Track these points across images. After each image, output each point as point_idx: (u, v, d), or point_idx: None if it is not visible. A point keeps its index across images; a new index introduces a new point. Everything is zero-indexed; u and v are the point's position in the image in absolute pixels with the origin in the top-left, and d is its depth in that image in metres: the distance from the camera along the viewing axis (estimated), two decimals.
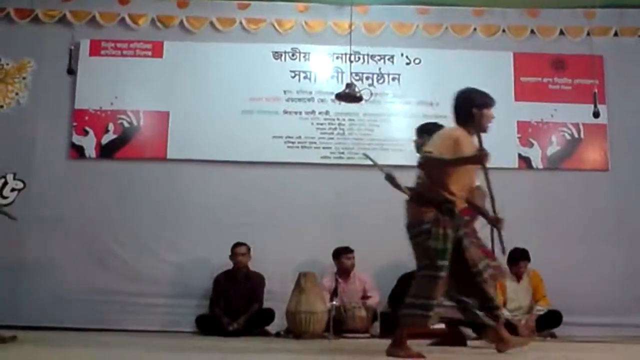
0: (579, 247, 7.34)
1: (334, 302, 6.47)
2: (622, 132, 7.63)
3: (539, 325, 6.73)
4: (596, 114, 6.83)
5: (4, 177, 7.28)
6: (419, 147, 5.01)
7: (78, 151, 7.48)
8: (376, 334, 6.69)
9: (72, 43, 7.32)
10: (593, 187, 7.59)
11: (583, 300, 7.02)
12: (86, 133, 7.49)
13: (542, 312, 6.78)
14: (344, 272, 6.99)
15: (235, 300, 6.75)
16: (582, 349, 5.43)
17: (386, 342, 5.86)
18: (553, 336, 6.67)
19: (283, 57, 7.83)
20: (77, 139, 7.50)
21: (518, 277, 6.97)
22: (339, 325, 6.37)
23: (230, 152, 7.53)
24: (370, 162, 5.73)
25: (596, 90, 7.01)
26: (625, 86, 7.76)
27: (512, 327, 6.58)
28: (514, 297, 6.91)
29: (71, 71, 7.12)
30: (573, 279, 7.16)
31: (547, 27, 7.93)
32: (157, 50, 7.74)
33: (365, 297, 6.89)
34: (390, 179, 5.44)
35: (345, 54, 7.65)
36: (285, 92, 7.71)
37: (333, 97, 7.15)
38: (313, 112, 7.68)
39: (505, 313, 6.70)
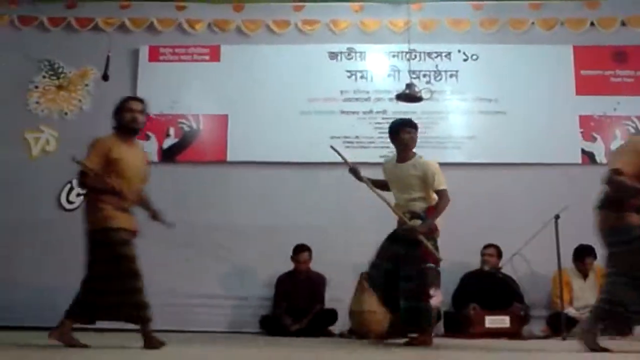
0: None
1: None
2: None
3: None
4: None
5: (70, 182, 7.43)
6: None
7: None
8: (440, 333, 6.64)
9: (110, 50, 7.46)
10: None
11: None
12: (148, 138, 7.61)
13: None
14: None
15: (297, 301, 6.78)
16: None
17: (449, 342, 5.89)
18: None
19: (339, 57, 7.84)
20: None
21: (584, 274, 6.86)
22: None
23: (289, 153, 7.57)
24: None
25: None
26: None
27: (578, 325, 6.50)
28: (580, 295, 6.79)
29: (106, 77, 7.23)
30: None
31: (608, 18, 7.78)
32: (214, 54, 7.83)
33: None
34: (354, 171, 5.64)
35: (402, 52, 7.66)
36: (342, 92, 7.73)
37: (391, 96, 7.19)
38: (370, 111, 7.68)
39: (572, 311, 6.62)
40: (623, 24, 7.75)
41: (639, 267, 4.38)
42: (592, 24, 7.77)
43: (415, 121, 7.49)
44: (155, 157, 7.59)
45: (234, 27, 7.91)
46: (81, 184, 4.87)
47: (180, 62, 7.87)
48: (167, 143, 7.65)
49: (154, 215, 4.99)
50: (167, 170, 7.57)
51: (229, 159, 7.58)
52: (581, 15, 7.79)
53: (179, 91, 7.79)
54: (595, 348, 4.42)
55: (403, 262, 5.24)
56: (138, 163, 4.86)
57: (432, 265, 5.27)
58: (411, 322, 5.20)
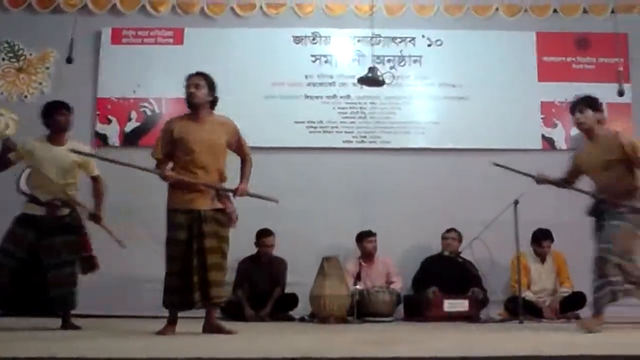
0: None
1: (358, 286, 6.50)
2: None
3: (563, 307, 6.71)
4: (621, 93, 6.76)
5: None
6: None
7: (102, 139, 7.55)
8: (400, 317, 6.71)
9: (73, 33, 7.28)
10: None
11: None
12: (109, 121, 7.56)
13: (566, 294, 6.76)
14: (367, 256, 7.01)
15: (258, 285, 6.79)
16: (606, 329, 5.40)
17: (409, 326, 5.95)
18: (577, 318, 6.60)
19: (304, 42, 7.83)
20: (101, 128, 7.58)
21: (542, 258, 6.96)
22: (362, 309, 6.40)
23: (253, 137, 7.33)
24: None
25: (621, 69, 6.92)
26: None
27: (536, 309, 6.61)
28: (537, 279, 6.90)
29: (70, 60, 7.13)
30: None
31: (571, 6, 7.84)
32: (178, 37, 7.78)
33: (388, 281, 6.91)
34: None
35: (366, 37, 7.64)
36: (306, 76, 7.72)
37: (355, 81, 7.18)
38: (335, 96, 7.68)
39: (530, 295, 6.71)
40: (585, 11, 7.82)
41: None
42: (555, 10, 7.82)
43: (380, 106, 7.63)
44: (116, 141, 7.54)
45: (198, 10, 7.84)
46: None
47: (144, 45, 7.79)
48: (130, 127, 7.59)
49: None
50: (129, 154, 7.43)
51: None
52: (544, 2, 7.84)
53: (142, 74, 7.72)
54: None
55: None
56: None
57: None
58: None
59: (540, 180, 5.35)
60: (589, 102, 5.13)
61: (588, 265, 6.86)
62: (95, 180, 5.42)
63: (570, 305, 6.71)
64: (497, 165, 5.39)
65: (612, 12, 7.73)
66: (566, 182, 5.33)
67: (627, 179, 4.84)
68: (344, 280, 6.38)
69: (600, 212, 5.00)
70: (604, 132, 5.07)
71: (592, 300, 4.95)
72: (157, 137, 4.93)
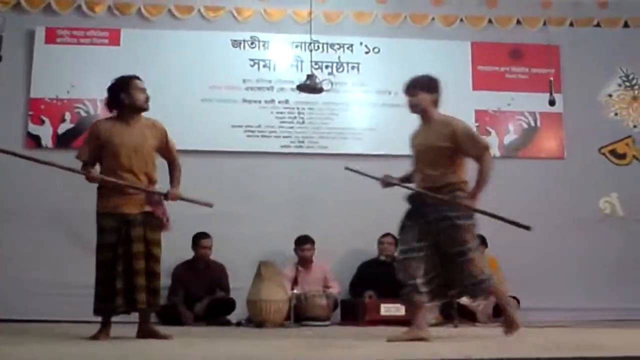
0: (535, 234, 7.38)
1: (295, 291, 6.49)
2: (577, 121, 7.76)
3: (496, 311, 6.82)
4: (552, 103, 6.94)
5: None
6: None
7: (34, 140, 7.36)
8: (337, 321, 6.73)
9: (2, 30, 7.10)
10: (549, 175, 7.70)
11: (539, 285, 7.15)
12: (42, 122, 7.37)
13: None
14: (304, 261, 7.00)
15: (195, 290, 6.72)
16: (538, 333, 5.53)
17: (346, 330, 5.97)
18: None
19: (242, 46, 7.80)
20: (33, 129, 7.38)
21: None
22: (299, 313, 6.39)
23: (189, 141, 7.35)
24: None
25: (552, 79, 7.12)
26: (581, 76, 7.88)
27: (470, 313, 6.71)
28: None
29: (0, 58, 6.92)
30: (530, 265, 7.27)
31: (505, 17, 8.03)
32: (114, 38, 7.64)
33: (326, 286, 6.92)
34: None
35: (305, 43, 7.65)
36: (244, 80, 7.68)
37: (293, 86, 7.20)
38: (273, 101, 7.67)
39: (464, 299, 6.80)
40: (519, 22, 8.02)
41: None
42: (489, 21, 8.00)
43: (318, 112, 7.66)
44: (49, 143, 7.36)
45: (135, 11, 7.71)
46: None
47: (79, 45, 7.61)
48: (63, 128, 7.41)
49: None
50: (62, 157, 7.25)
51: None
52: (480, 13, 8.01)
53: (77, 75, 7.54)
54: None
55: None
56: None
57: None
58: None
59: (386, 182, 5.06)
60: (424, 83, 4.79)
61: (522, 269, 7.12)
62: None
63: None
64: (349, 169, 5.18)
65: (545, 24, 7.96)
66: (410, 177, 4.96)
67: (451, 171, 4.53)
68: (281, 285, 6.37)
69: (419, 206, 4.60)
70: (439, 116, 4.76)
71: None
72: (84, 139, 4.85)
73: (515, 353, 3.32)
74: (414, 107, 4.77)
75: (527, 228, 4.48)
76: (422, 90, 4.73)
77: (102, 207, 4.56)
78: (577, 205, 7.59)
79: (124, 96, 4.69)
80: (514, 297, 6.79)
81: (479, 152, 4.46)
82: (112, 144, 4.56)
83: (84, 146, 4.69)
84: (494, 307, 6.82)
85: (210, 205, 4.94)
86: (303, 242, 6.97)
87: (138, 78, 4.85)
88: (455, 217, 4.41)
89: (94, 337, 4.42)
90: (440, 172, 4.51)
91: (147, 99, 4.81)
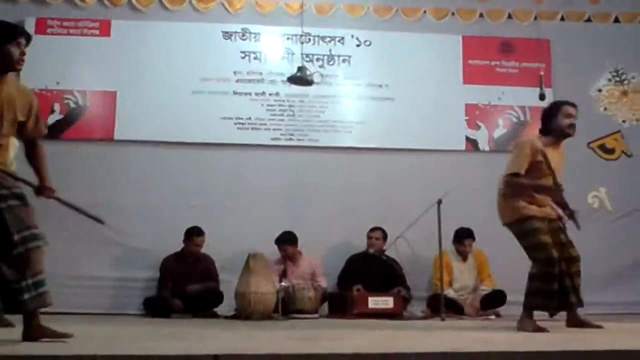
0: None
1: (283, 283, 6.51)
2: None
3: (483, 304, 6.88)
4: (542, 97, 6.94)
5: None
6: None
7: None
8: (324, 314, 6.76)
9: None
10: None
11: (525, 279, 7.14)
12: None
13: (487, 292, 6.92)
14: (288, 257, 7.00)
15: (183, 282, 6.71)
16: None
17: (334, 322, 5.99)
18: (498, 315, 6.81)
19: (233, 37, 7.78)
20: None
21: (464, 257, 7.11)
22: (287, 306, 6.41)
23: (180, 133, 7.48)
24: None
25: (542, 73, 7.13)
26: (571, 70, 7.89)
27: (457, 307, 6.75)
28: (459, 277, 7.05)
29: None
30: (518, 258, 7.25)
31: (496, 11, 8.03)
32: (104, 29, 7.60)
33: (314, 279, 6.92)
34: None
35: (296, 35, 7.65)
36: (235, 72, 7.67)
37: (284, 78, 7.22)
38: (263, 93, 7.66)
39: (451, 292, 6.86)
40: (510, 16, 8.02)
41: None
42: (481, 15, 8.00)
43: (308, 104, 7.66)
44: None
45: (126, 2, 7.68)
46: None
47: (69, 36, 7.58)
48: (52, 119, 7.38)
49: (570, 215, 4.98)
50: (52, 148, 7.20)
51: (116, 137, 7.39)
52: (471, 7, 8.00)
53: (67, 66, 7.51)
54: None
55: None
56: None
57: None
58: None
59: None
60: None
61: (509, 263, 7.12)
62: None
63: (491, 302, 6.88)
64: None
65: (536, 18, 7.97)
66: None
67: None
68: (270, 277, 6.37)
69: None
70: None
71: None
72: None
73: (503, 346, 3.35)
74: None
75: (100, 222, 4.03)
76: None
77: None
78: (565, 199, 7.58)
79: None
80: (501, 291, 6.85)
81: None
82: None
83: None
84: (481, 300, 6.88)
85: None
86: (282, 242, 6.94)
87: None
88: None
89: None
90: None
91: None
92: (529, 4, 7.99)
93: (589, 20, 8.11)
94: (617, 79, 8.02)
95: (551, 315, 4.96)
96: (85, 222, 4.64)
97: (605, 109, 7.96)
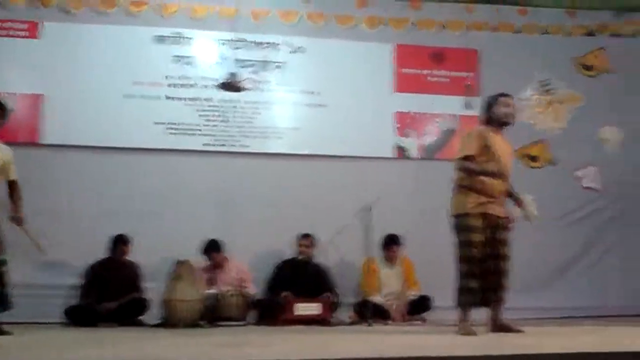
0: (450, 234, 7.58)
1: (211, 290, 6.50)
2: None
3: (410, 310, 6.98)
4: (468, 106, 7.08)
5: None
6: None
7: None
8: (253, 321, 6.76)
9: None
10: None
11: (452, 284, 7.27)
12: None
13: (413, 298, 7.02)
14: (217, 264, 6.98)
15: (109, 290, 6.60)
16: (449, 331, 5.68)
17: (261, 329, 6.02)
18: (423, 320, 6.91)
19: (166, 42, 7.72)
20: None
21: (391, 263, 7.20)
22: (215, 313, 6.41)
23: (110, 137, 7.40)
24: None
25: (469, 83, 7.27)
26: (500, 79, 7.95)
27: (384, 312, 6.84)
28: (386, 283, 7.13)
29: None
30: (445, 264, 7.35)
31: (428, 20, 8.14)
32: (32, 31, 7.46)
33: (242, 285, 6.91)
34: None
35: (230, 41, 7.64)
36: (167, 77, 7.62)
37: (216, 84, 7.18)
38: (196, 98, 7.62)
39: (378, 298, 6.94)
40: (442, 26, 8.15)
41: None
42: (413, 24, 8.10)
43: (241, 110, 7.65)
44: None
45: (56, 4, 7.55)
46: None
47: None
48: None
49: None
50: None
51: (42, 141, 7.25)
52: (404, 16, 8.10)
53: None
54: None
55: None
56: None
57: None
58: None
59: None
60: None
61: (436, 269, 7.25)
62: (13, 184, 5.48)
63: (417, 308, 6.99)
64: None
65: (467, 28, 8.13)
66: None
67: None
68: (197, 284, 6.34)
69: None
70: None
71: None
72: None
73: (431, 351, 3.42)
74: None
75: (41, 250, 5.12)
76: None
77: None
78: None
79: None
80: (427, 297, 6.97)
81: None
82: None
83: None
84: (407, 306, 6.98)
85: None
86: (208, 250, 6.91)
87: None
88: None
89: None
90: None
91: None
92: (460, 14, 8.14)
93: (518, 31, 8.28)
94: (544, 89, 8.23)
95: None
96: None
97: (531, 118, 8.16)
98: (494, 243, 5.03)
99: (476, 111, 7.62)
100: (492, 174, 4.99)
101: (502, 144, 5.17)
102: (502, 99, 5.20)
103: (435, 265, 7.30)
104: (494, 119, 5.18)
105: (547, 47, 8.27)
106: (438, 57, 8.12)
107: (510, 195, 5.21)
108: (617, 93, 8.19)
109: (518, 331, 5.01)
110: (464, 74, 7.96)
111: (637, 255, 8.00)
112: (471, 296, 4.94)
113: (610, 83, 8.26)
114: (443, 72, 8.09)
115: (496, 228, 5.05)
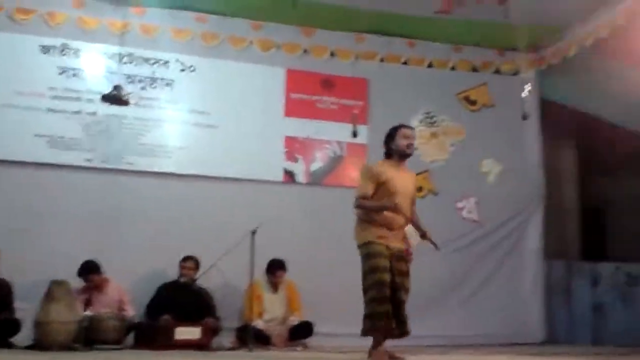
0: (336, 260, 7.65)
1: (87, 312, 6.29)
2: (380, 152, 7.94)
3: (292, 335, 6.99)
4: (354, 134, 7.22)
5: None
6: None
7: None
8: (130, 345, 6.57)
9: None
10: (352, 203, 7.93)
11: (335, 311, 7.35)
12: None
13: (295, 323, 7.03)
14: (94, 286, 6.76)
15: None
16: (327, 358, 5.74)
17: (138, 354, 5.88)
18: (305, 346, 6.94)
19: (52, 52, 7.45)
20: None
21: (275, 288, 7.20)
22: (91, 336, 6.19)
23: None
24: None
25: (356, 112, 7.40)
26: (387, 109, 8.21)
27: (265, 337, 6.82)
28: (269, 308, 7.12)
29: None
30: (329, 290, 7.47)
31: (320, 47, 8.24)
32: None
33: (121, 308, 6.72)
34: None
35: (118, 55, 7.47)
36: (51, 88, 7.33)
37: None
38: (80, 112, 7.38)
39: (260, 323, 6.92)
40: (332, 54, 8.27)
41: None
42: (305, 51, 8.19)
43: (127, 126, 7.48)
44: None
45: None
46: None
47: None
48: None
49: (423, 235, 5.27)
50: None
51: None
52: (296, 41, 8.16)
53: None
54: None
55: None
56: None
57: None
58: None
59: None
60: None
61: (320, 295, 7.33)
62: None
63: (299, 333, 7.00)
64: None
65: (357, 58, 8.28)
66: None
67: None
68: (73, 306, 6.12)
69: None
70: None
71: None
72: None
73: None
74: None
75: None
76: None
77: None
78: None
79: None
80: (309, 322, 7.00)
81: None
82: None
83: None
84: (289, 332, 6.99)
85: None
86: (83, 273, 6.67)
87: None
88: None
89: None
90: None
91: None
92: (351, 43, 8.28)
93: (405, 63, 8.51)
94: (428, 120, 8.49)
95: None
96: None
97: (416, 148, 8.35)
98: (395, 274, 5.09)
99: (363, 140, 7.88)
100: (390, 209, 5.07)
101: (403, 176, 5.27)
102: (403, 130, 5.31)
103: (319, 291, 7.40)
104: (395, 151, 5.28)
105: (433, 80, 8.54)
106: (328, 84, 8.23)
107: (417, 227, 5.33)
108: (497, 127, 8.55)
109: (399, 358, 5.09)
110: (353, 102, 8.09)
111: (514, 285, 8.35)
112: (382, 321, 4.95)
113: (491, 117, 8.62)
114: (333, 99, 8.20)
115: (397, 260, 5.14)
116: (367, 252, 5.12)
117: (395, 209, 5.09)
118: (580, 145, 9.46)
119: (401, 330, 5.15)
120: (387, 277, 5.00)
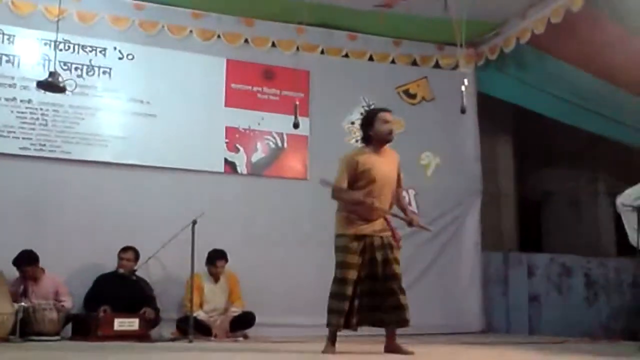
0: (277, 250, 7.70)
1: (23, 303, 6.11)
2: (321, 144, 8.09)
3: (233, 326, 6.95)
4: (296, 126, 7.17)
5: None
6: None
7: None
8: (67, 336, 6.42)
9: None
10: (293, 194, 7.96)
11: (276, 301, 7.38)
12: None
13: (236, 313, 7.00)
14: (29, 277, 6.57)
15: None
16: (268, 348, 5.73)
17: (76, 345, 5.75)
18: (246, 337, 6.92)
19: None
20: None
21: (216, 278, 7.15)
22: (27, 327, 6.03)
23: None
24: None
25: (297, 103, 7.36)
26: (328, 101, 8.27)
27: (206, 328, 6.77)
28: (210, 298, 7.08)
29: None
30: (269, 280, 7.48)
31: (261, 38, 8.20)
32: None
33: (57, 299, 6.55)
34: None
35: (54, 41, 7.26)
36: None
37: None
38: (14, 99, 7.15)
39: (201, 314, 6.86)
40: (274, 45, 8.24)
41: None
42: (246, 41, 8.13)
43: (63, 114, 7.31)
44: None
45: None
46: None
47: None
48: None
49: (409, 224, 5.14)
50: None
51: None
52: (237, 31, 8.10)
53: None
54: None
55: None
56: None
57: None
58: None
59: None
60: None
61: (260, 285, 7.32)
62: None
63: (240, 324, 6.97)
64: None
65: (298, 49, 8.27)
66: None
67: None
68: (7, 297, 5.96)
69: None
70: None
71: None
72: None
73: None
74: None
75: None
76: None
77: None
78: (317, 225, 7.84)
79: None
80: (250, 313, 6.98)
81: None
82: None
83: None
84: (230, 322, 6.95)
85: None
86: (19, 263, 6.47)
87: None
88: None
89: None
90: None
91: None
92: (292, 34, 8.25)
93: (346, 55, 8.55)
94: None
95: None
96: None
97: (357, 140, 8.38)
98: (376, 264, 4.96)
99: (304, 131, 7.88)
100: (366, 205, 4.95)
101: (384, 161, 5.10)
102: (382, 114, 5.10)
103: (259, 281, 7.39)
104: (374, 137, 5.10)
105: (373, 73, 8.59)
106: (269, 75, 8.20)
107: (404, 211, 5.24)
108: (436, 121, 8.67)
109: (407, 353, 5.03)
110: (294, 94, 8.06)
111: (452, 276, 8.48)
112: (335, 317, 4.92)
113: (431, 111, 8.74)
114: (273, 91, 8.18)
115: (379, 248, 4.99)
116: (337, 245, 5.06)
117: (376, 196, 4.98)
118: (517, 139, 9.70)
119: (397, 319, 5.04)
120: (352, 274, 4.91)
